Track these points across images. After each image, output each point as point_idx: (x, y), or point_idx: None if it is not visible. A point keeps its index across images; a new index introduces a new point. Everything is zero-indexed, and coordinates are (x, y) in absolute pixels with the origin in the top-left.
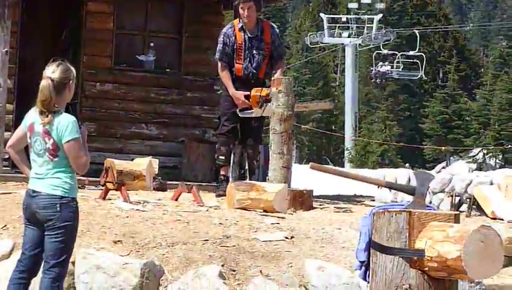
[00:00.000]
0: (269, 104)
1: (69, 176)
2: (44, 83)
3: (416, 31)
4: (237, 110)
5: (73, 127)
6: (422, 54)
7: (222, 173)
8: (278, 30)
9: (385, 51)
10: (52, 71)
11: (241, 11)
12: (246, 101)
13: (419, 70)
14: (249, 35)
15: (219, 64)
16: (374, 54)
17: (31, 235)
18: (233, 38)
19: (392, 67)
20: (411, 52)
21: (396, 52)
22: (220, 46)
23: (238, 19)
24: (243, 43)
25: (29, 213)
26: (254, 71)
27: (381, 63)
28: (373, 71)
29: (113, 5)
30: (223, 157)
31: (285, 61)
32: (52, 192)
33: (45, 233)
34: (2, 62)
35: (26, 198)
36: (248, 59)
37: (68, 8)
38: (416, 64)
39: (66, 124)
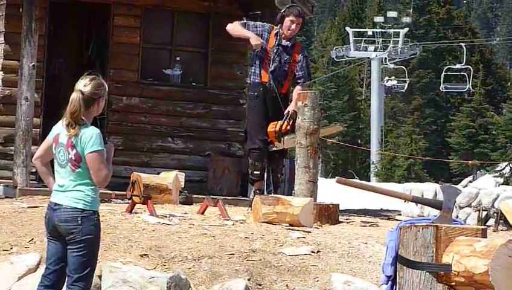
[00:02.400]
0: (287, 136)
1: (91, 188)
2: (74, 95)
3: (463, 44)
4: (270, 149)
5: (97, 139)
6: (469, 66)
7: (256, 187)
8: (307, 54)
9: (391, 65)
10: (84, 84)
11: (288, 22)
12: (261, 41)
13: (466, 83)
14: (281, 43)
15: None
16: (381, 67)
17: (54, 249)
18: (267, 35)
19: (399, 82)
20: (458, 66)
21: (403, 67)
22: (252, 23)
23: (277, 27)
24: (273, 48)
25: (51, 226)
26: (278, 82)
27: (387, 78)
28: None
29: (139, 19)
30: (257, 172)
31: (305, 87)
32: (74, 205)
33: (67, 247)
34: (29, 76)
35: (48, 211)
36: (275, 65)
37: (95, 21)
38: (464, 77)
39: (90, 135)
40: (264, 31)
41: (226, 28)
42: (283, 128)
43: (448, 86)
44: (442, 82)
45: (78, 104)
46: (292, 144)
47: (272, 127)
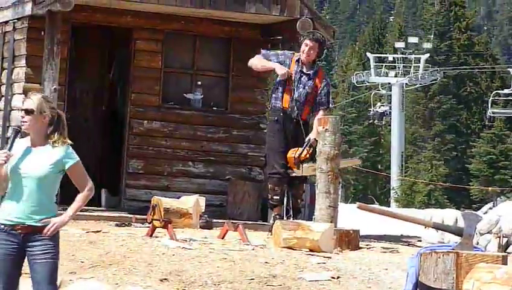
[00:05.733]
0: (306, 165)
1: None
2: None
3: (510, 70)
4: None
5: None
6: None
7: (276, 212)
8: (329, 82)
9: (383, 91)
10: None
11: (303, 46)
12: (287, 70)
13: None
14: (302, 69)
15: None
16: (373, 93)
17: None
18: (289, 61)
19: (391, 107)
20: (506, 91)
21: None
22: (272, 52)
23: (299, 53)
24: (294, 74)
25: None
26: (299, 107)
27: (379, 104)
28: (371, 112)
29: (161, 43)
30: (277, 197)
31: (328, 112)
32: None
33: None
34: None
35: None
36: (296, 90)
37: (117, 45)
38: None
39: None
40: (285, 58)
41: (249, 64)
42: (302, 155)
43: (496, 111)
44: (489, 106)
45: None
46: (311, 172)
47: (292, 153)
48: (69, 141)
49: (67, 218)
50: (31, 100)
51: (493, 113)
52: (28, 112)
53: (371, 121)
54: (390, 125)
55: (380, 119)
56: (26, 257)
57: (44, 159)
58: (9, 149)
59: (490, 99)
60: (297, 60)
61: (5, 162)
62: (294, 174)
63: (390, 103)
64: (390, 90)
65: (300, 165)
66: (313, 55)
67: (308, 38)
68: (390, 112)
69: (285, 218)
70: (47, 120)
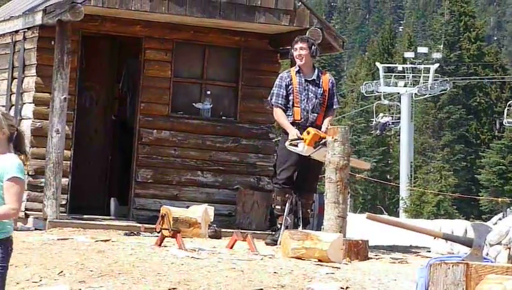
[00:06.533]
0: (324, 148)
1: None
2: None
3: None
4: (287, 143)
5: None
6: None
7: (279, 222)
8: (334, 80)
9: (386, 102)
10: None
11: (295, 53)
12: (301, 136)
13: None
14: (306, 78)
15: (274, 107)
16: (375, 104)
17: None
18: (289, 80)
19: (393, 118)
20: None
21: (398, 104)
22: (274, 89)
23: (295, 66)
24: (299, 86)
25: None
26: (312, 116)
27: (381, 114)
28: (373, 122)
29: (171, 53)
30: (278, 207)
31: (336, 112)
32: None
33: None
34: (60, 109)
35: None
36: (305, 101)
37: (126, 55)
38: None
39: None
40: (283, 81)
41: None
42: (322, 136)
43: (511, 121)
44: (505, 117)
45: None
46: (322, 158)
47: (319, 133)
48: (23, 158)
49: None
50: None
51: (508, 123)
52: None
53: (372, 132)
54: (399, 135)
55: (382, 129)
56: None
57: None
58: None
59: (506, 109)
60: (297, 72)
61: None
62: (294, 149)
63: (393, 114)
64: (395, 101)
65: (319, 146)
66: (307, 56)
67: (295, 42)
68: (393, 123)
69: (285, 226)
70: (5, 137)
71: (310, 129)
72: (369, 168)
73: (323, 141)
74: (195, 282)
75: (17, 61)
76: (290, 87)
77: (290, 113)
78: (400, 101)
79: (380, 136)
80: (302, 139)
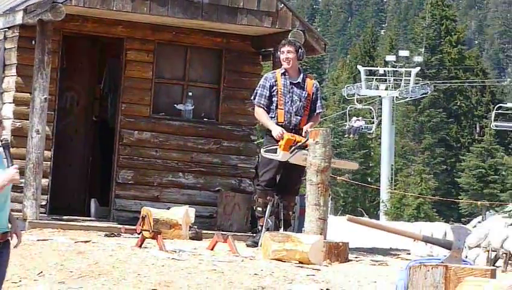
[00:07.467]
0: (301, 152)
1: None
2: None
3: None
4: (262, 149)
5: None
6: None
7: (260, 223)
8: (318, 85)
9: (359, 106)
10: None
11: (281, 55)
12: (279, 130)
13: None
14: (291, 80)
15: (256, 106)
16: (348, 108)
17: None
18: (274, 81)
19: (366, 122)
20: (509, 104)
21: (371, 108)
22: (258, 89)
23: (281, 68)
24: (284, 88)
25: None
26: (296, 118)
27: (355, 118)
28: (347, 126)
29: (152, 54)
30: (260, 209)
31: (320, 117)
32: None
33: None
34: (40, 109)
35: None
36: (289, 103)
37: (108, 55)
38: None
39: None
40: (267, 81)
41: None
42: (297, 140)
43: (499, 124)
44: (493, 120)
45: None
46: (301, 162)
47: (293, 136)
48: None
49: None
50: None
51: (496, 126)
52: None
53: (346, 136)
54: (380, 138)
55: (355, 133)
56: None
57: None
58: (12, 163)
59: (493, 113)
60: (283, 73)
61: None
62: (271, 156)
63: (373, 117)
64: (376, 105)
65: (295, 151)
66: (293, 60)
67: (281, 46)
68: (366, 127)
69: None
70: None
71: (285, 134)
72: (357, 168)
73: (299, 144)
74: (175, 283)
75: None
76: (274, 88)
77: (273, 115)
78: (380, 105)
79: (358, 139)
80: (281, 140)
